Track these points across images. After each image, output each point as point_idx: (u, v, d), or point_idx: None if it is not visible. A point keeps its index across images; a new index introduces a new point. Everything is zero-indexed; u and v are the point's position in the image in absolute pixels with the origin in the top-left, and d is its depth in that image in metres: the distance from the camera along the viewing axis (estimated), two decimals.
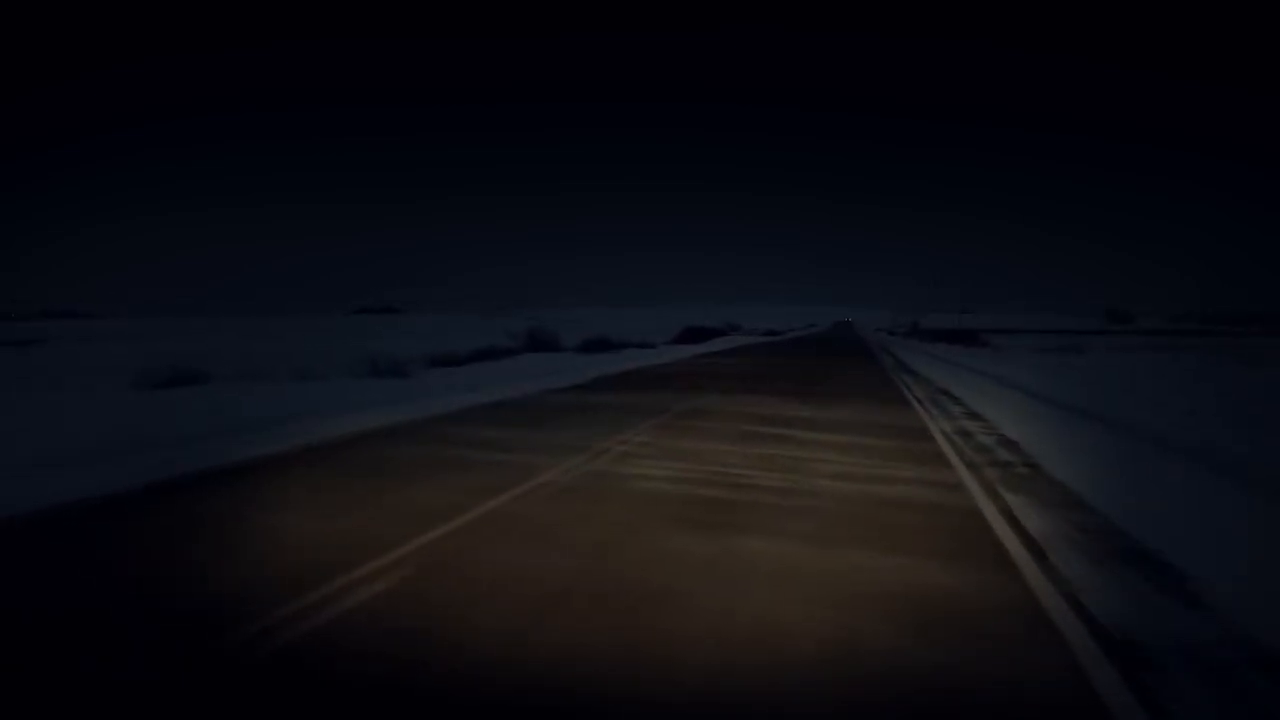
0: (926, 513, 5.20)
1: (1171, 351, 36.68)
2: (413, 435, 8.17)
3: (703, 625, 3.19)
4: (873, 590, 3.61)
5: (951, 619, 3.27)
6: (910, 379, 18.12)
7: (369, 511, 4.93)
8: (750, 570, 3.90)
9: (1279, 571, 4.07)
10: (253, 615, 3.16)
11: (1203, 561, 4.06)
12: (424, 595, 3.47)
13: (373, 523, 4.66)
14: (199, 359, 25.79)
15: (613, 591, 3.58)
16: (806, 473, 6.42)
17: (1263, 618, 3.30)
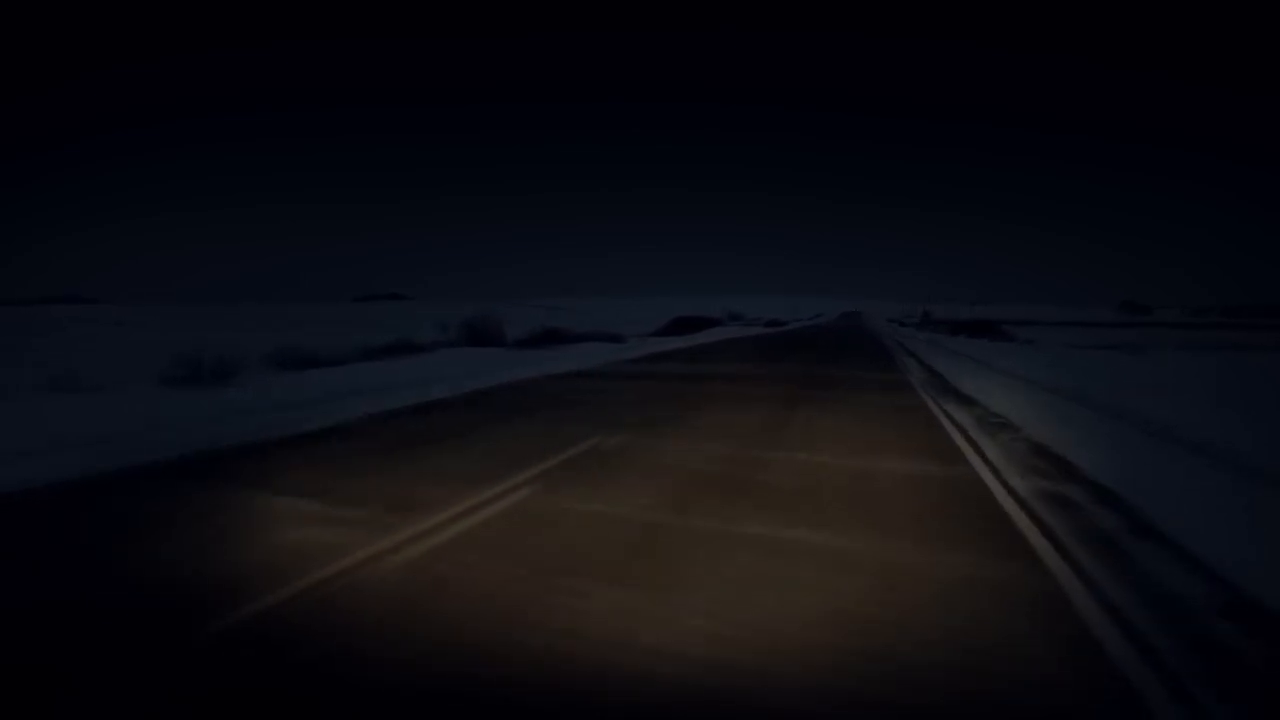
0: None
1: (1240, 350, 29.50)
2: None
3: None
4: None
5: None
6: (955, 408, 10.22)
7: None
8: None
9: None
10: None
11: None
12: None
13: None
14: None
15: None
16: None
17: None
